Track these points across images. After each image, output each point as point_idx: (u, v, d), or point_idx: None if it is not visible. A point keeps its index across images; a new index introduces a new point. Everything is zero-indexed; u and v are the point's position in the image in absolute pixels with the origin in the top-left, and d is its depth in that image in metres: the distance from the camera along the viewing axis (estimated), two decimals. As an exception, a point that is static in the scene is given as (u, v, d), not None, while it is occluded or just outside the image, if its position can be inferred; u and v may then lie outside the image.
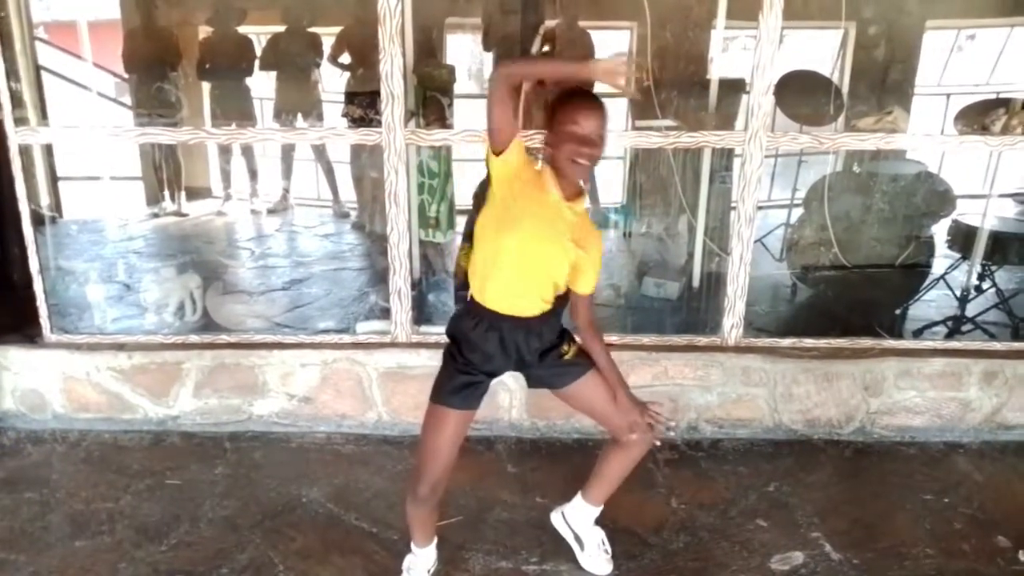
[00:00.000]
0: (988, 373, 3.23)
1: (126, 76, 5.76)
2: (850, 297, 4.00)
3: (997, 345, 3.37)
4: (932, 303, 4.17)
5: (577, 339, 2.28)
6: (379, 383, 3.25)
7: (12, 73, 3.08)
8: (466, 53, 6.18)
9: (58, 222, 4.35)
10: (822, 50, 5.55)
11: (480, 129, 3.49)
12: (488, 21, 4.99)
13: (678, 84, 4.13)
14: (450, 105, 3.97)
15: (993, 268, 4.01)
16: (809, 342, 3.33)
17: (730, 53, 4.70)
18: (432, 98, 3.73)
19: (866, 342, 3.34)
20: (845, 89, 4.77)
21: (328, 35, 5.80)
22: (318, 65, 5.96)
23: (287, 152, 6.25)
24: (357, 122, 3.41)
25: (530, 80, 2.02)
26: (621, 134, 3.25)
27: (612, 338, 3.26)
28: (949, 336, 3.80)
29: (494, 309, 2.11)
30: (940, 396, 3.26)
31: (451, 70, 4.14)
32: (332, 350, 3.24)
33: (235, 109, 5.84)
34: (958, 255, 4.13)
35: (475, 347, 2.15)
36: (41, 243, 3.28)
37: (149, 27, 5.64)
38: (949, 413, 3.28)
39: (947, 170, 4.81)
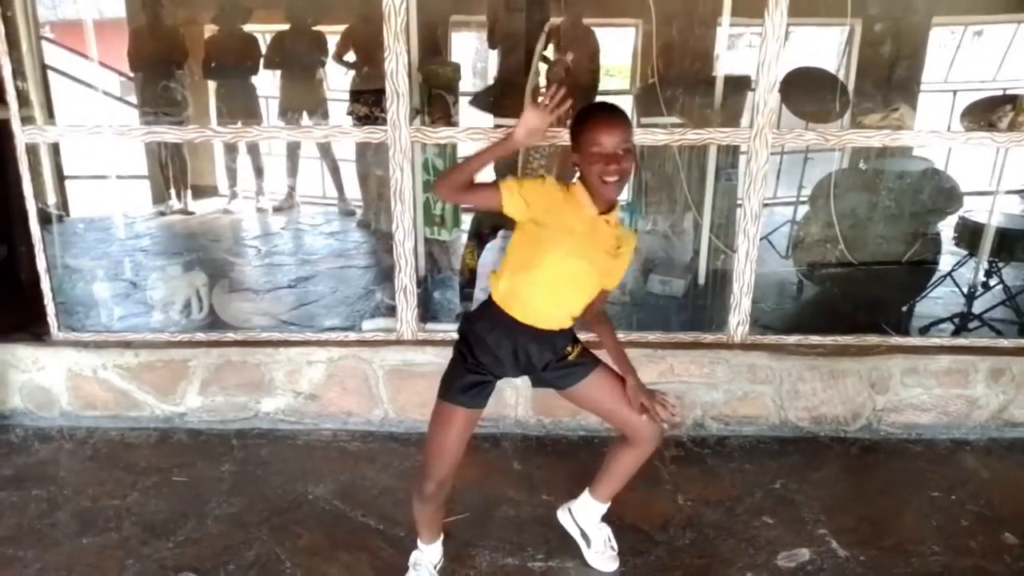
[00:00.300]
0: (995, 370, 3.22)
1: (132, 75, 5.77)
2: (856, 294, 3.99)
3: (1004, 342, 3.36)
4: (939, 300, 4.16)
5: (580, 339, 2.28)
6: (385, 380, 3.25)
7: (19, 72, 3.09)
8: (471, 51, 6.18)
9: (65, 220, 4.36)
10: (828, 47, 5.54)
11: (484, 127, 3.51)
12: (493, 18, 4.98)
13: (683, 81, 4.12)
14: (455, 103, 3.97)
15: (1000, 265, 4.00)
16: (815, 339, 3.32)
17: (736, 50, 4.70)
18: (437, 96, 3.73)
19: (873, 339, 3.34)
20: (851, 86, 4.76)
21: (333, 33, 5.81)
22: (323, 63, 5.97)
23: (293, 150, 6.27)
24: (362, 120, 3.41)
25: (464, 182, 2.02)
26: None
27: (617, 335, 3.26)
28: (956, 333, 3.79)
29: (519, 319, 2.11)
30: (947, 393, 3.25)
31: (456, 68, 4.14)
32: (338, 347, 3.25)
33: (241, 107, 5.86)
34: (965, 252, 4.12)
35: (487, 351, 2.14)
36: (48, 241, 3.29)
37: (155, 26, 5.65)
38: (956, 410, 3.27)
39: (954, 167, 4.81)
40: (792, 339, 3.32)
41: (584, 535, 2.52)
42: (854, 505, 2.83)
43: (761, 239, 3.25)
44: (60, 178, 4.07)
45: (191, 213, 6.18)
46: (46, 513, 2.75)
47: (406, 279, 3.22)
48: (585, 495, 2.50)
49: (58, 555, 2.53)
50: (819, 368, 3.21)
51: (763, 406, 3.26)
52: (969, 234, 4.04)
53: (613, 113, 2.05)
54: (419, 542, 2.36)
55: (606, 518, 2.51)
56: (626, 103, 5.55)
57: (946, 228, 4.26)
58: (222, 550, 2.55)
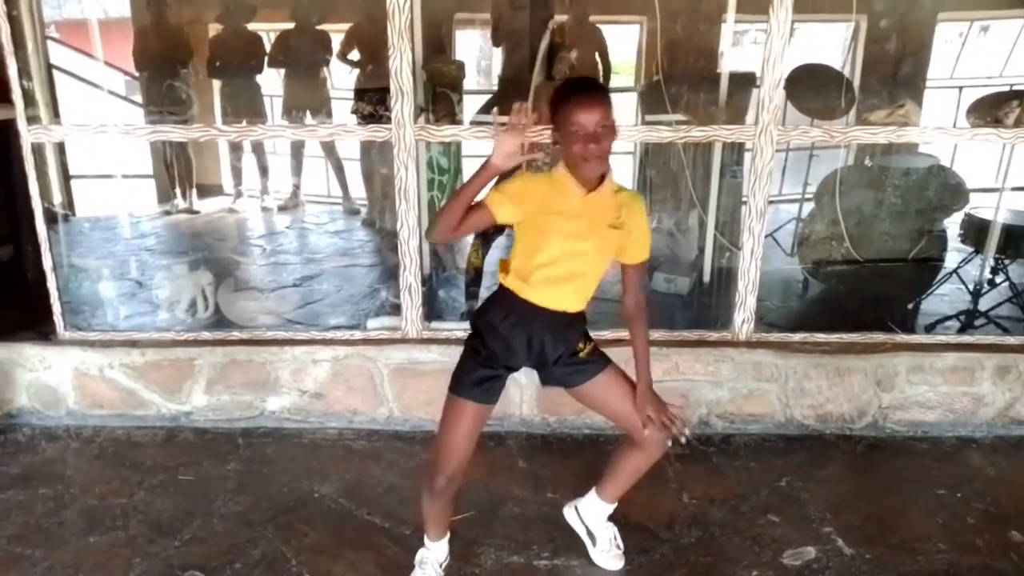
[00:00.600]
0: (1001, 368, 3.21)
1: (137, 74, 5.79)
2: (862, 292, 3.98)
3: (1010, 339, 3.35)
4: (945, 297, 4.15)
5: (592, 338, 2.27)
6: (390, 379, 3.26)
7: (24, 72, 3.09)
8: (475, 49, 6.19)
9: (71, 220, 4.37)
10: (833, 43, 5.53)
11: (488, 125, 3.51)
12: (497, 16, 4.99)
13: (688, 78, 4.12)
14: (460, 101, 3.97)
15: (1006, 262, 3.98)
16: (821, 337, 3.32)
17: (740, 47, 4.69)
18: (442, 94, 3.73)
19: (878, 337, 3.33)
20: (856, 82, 4.74)
21: (337, 32, 5.82)
22: (327, 62, 5.98)
23: (297, 149, 6.27)
24: (367, 118, 3.41)
25: (457, 218, 2.03)
26: (631, 128, 3.24)
27: (622, 333, 3.26)
28: (962, 331, 3.78)
29: (532, 302, 2.10)
30: (953, 391, 3.24)
31: (460, 66, 4.14)
32: (343, 346, 3.25)
33: (245, 106, 5.88)
34: (971, 249, 4.10)
35: (500, 339, 2.14)
36: (54, 241, 3.30)
37: (160, 25, 5.67)
38: (962, 408, 3.26)
39: (960, 163, 4.79)
40: (797, 337, 3.32)
41: (590, 534, 2.51)
42: (860, 503, 2.82)
43: (766, 236, 3.24)
44: (66, 177, 4.07)
45: (196, 212, 6.20)
46: (53, 512, 2.76)
47: (411, 278, 3.22)
48: (592, 494, 2.50)
49: (65, 553, 2.54)
50: (824, 366, 3.21)
51: (768, 404, 3.26)
52: (975, 231, 4.02)
53: (592, 90, 2.03)
54: (425, 539, 2.36)
55: (612, 516, 2.51)
56: (631, 100, 5.55)
57: (952, 225, 4.24)
58: (228, 548, 2.56)
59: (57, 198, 3.46)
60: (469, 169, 4.06)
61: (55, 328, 3.35)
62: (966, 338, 3.44)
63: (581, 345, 2.23)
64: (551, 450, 3.17)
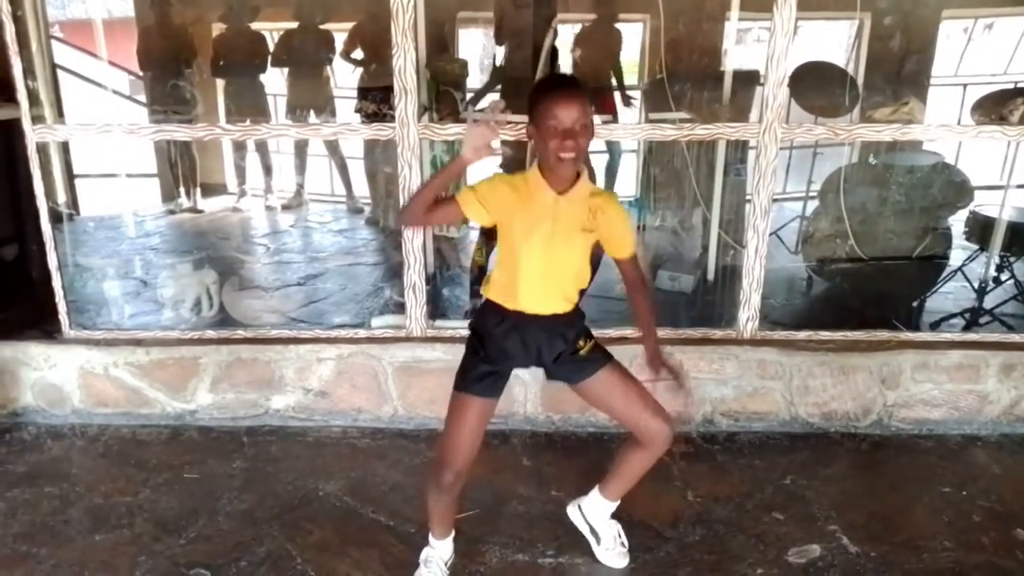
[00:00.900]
0: (1006, 366, 3.21)
1: (141, 73, 5.80)
2: (866, 289, 3.98)
3: (1015, 337, 3.34)
4: (949, 295, 4.14)
5: (593, 335, 2.27)
6: (394, 377, 3.26)
7: (29, 71, 3.10)
8: (478, 47, 6.18)
9: (75, 219, 4.38)
10: (837, 41, 5.52)
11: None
12: (500, 14, 4.98)
13: (692, 76, 4.11)
14: (463, 100, 3.97)
15: (1011, 260, 3.97)
16: (825, 335, 3.31)
17: (744, 44, 4.68)
18: (445, 92, 3.73)
19: (883, 335, 3.32)
20: (860, 80, 4.74)
21: (341, 31, 5.82)
22: (331, 61, 5.99)
23: (301, 148, 6.28)
24: (370, 117, 3.42)
25: (424, 207, 2.09)
26: (635, 127, 3.24)
27: (626, 331, 3.26)
28: (967, 328, 3.77)
29: (519, 310, 2.12)
30: (958, 389, 3.24)
31: (464, 64, 4.14)
32: (348, 344, 3.26)
33: (249, 105, 5.88)
34: (976, 247, 4.09)
35: (497, 344, 2.16)
36: (59, 240, 3.31)
37: (164, 25, 5.68)
38: (967, 406, 3.25)
39: (964, 161, 4.78)
40: (802, 335, 3.31)
41: (594, 532, 2.51)
42: (865, 501, 2.82)
43: (770, 234, 3.24)
44: (70, 177, 4.08)
45: (200, 211, 6.21)
46: (59, 510, 2.77)
47: (415, 276, 3.22)
48: (595, 493, 2.50)
49: (71, 552, 2.54)
50: (829, 364, 3.20)
51: (773, 402, 3.25)
52: (980, 228, 4.01)
53: (572, 87, 2.02)
54: (430, 537, 2.36)
55: (616, 514, 2.51)
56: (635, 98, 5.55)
57: (957, 223, 4.24)
58: (233, 546, 2.57)
59: (61, 197, 3.47)
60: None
61: (60, 327, 3.36)
62: (971, 336, 3.43)
63: (582, 343, 2.23)
64: (555, 448, 3.18)
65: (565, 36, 4.83)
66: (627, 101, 5.54)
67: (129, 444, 3.21)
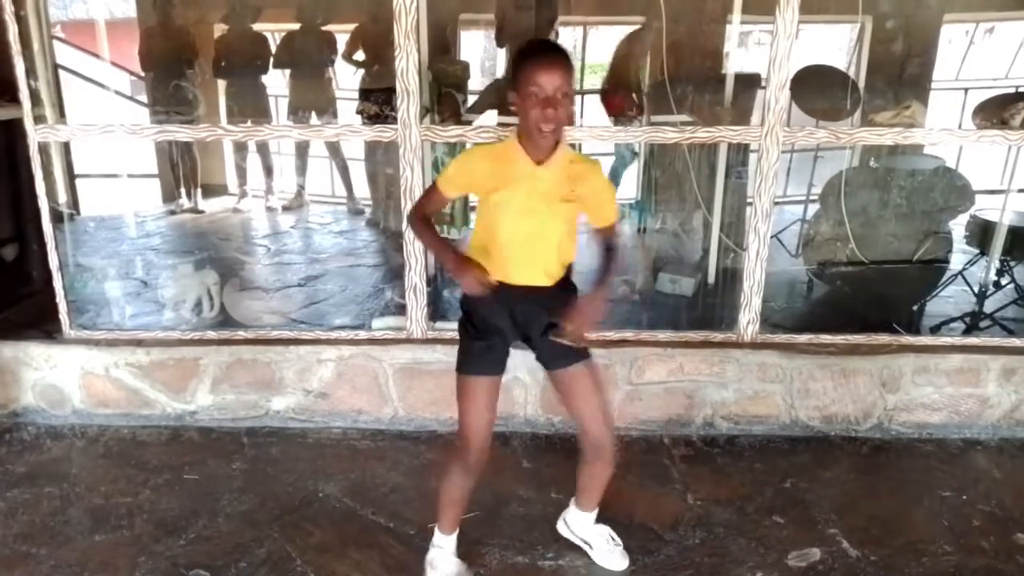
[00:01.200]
0: (1007, 370, 3.21)
1: (143, 74, 5.80)
2: (867, 293, 3.98)
3: (1016, 341, 3.34)
4: (950, 299, 4.14)
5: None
6: (395, 379, 3.26)
7: (31, 71, 3.10)
8: (480, 49, 6.19)
9: (76, 219, 4.39)
10: (839, 44, 5.52)
11: (494, 124, 3.51)
12: (502, 17, 4.98)
13: (693, 79, 4.11)
14: (465, 101, 3.97)
15: (1012, 264, 3.97)
16: (826, 338, 3.31)
17: (745, 47, 4.68)
18: (447, 94, 3.73)
19: (883, 338, 3.32)
20: (862, 83, 4.74)
21: (342, 32, 5.83)
22: (332, 62, 5.99)
23: (302, 149, 6.28)
24: (372, 119, 3.42)
25: (423, 217, 2.18)
26: (637, 129, 3.25)
27: (627, 334, 3.26)
28: (967, 332, 3.77)
29: (500, 281, 2.09)
30: (958, 392, 3.23)
31: (465, 66, 4.14)
32: (348, 346, 3.26)
33: (251, 106, 5.88)
34: (976, 251, 4.09)
35: (483, 316, 2.16)
36: (60, 240, 3.31)
37: (165, 25, 5.68)
38: (967, 410, 3.25)
39: (965, 165, 4.77)
40: (803, 338, 3.31)
41: (585, 541, 2.53)
42: (865, 505, 2.82)
43: (771, 237, 3.24)
44: (71, 177, 4.09)
45: (201, 212, 6.21)
46: (59, 510, 2.77)
47: (416, 278, 3.23)
48: (572, 507, 2.53)
49: (71, 552, 2.54)
50: (830, 367, 3.20)
51: (773, 405, 3.25)
52: (980, 232, 4.02)
53: (555, 53, 2.00)
54: (437, 535, 2.38)
55: (607, 518, 2.52)
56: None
57: (957, 227, 4.24)
58: (233, 548, 2.56)
59: (62, 197, 3.47)
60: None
61: (61, 327, 3.36)
62: (971, 340, 3.43)
63: (569, 327, 2.14)
64: (555, 450, 3.17)
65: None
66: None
67: (129, 445, 3.21)
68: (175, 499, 2.83)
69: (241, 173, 6.40)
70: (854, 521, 2.71)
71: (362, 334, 3.35)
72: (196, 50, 5.78)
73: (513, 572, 2.47)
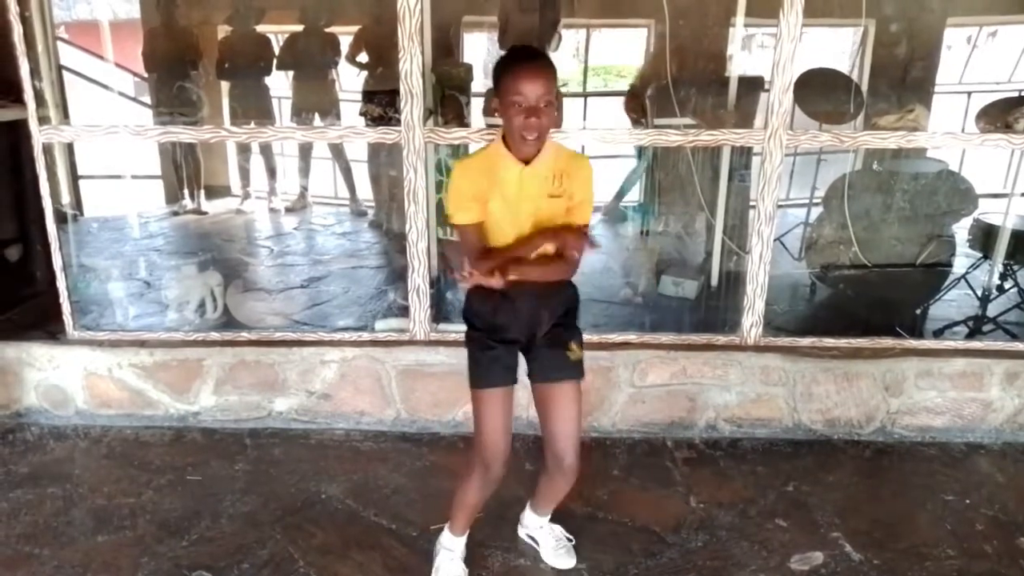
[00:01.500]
0: (1010, 373, 3.20)
1: (146, 75, 5.81)
2: (870, 296, 3.97)
3: (1019, 345, 3.34)
4: (953, 303, 4.13)
5: (583, 343, 2.24)
6: (398, 380, 3.26)
7: (35, 72, 3.11)
8: (483, 51, 6.18)
9: (79, 220, 4.39)
10: (842, 47, 5.52)
11: (496, 126, 3.51)
12: (505, 19, 4.98)
13: (697, 82, 4.11)
14: (468, 103, 3.97)
15: (1015, 268, 3.97)
16: (829, 341, 3.31)
17: (749, 51, 4.68)
18: (450, 96, 3.73)
19: (886, 342, 3.32)
20: (865, 87, 4.74)
21: (346, 34, 5.83)
22: (336, 64, 5.99)
23: (305, 151, 6.29)
24: (376, 121, 3.42)
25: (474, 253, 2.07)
26: (640, 132, 3.24)
27: (630, 336, 3.26)
28: (970, 336, 3.76)
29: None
30: (961, 396, 3.23)
31: (469, 68, 4.15)
32: (351, 347, 3.26)
33: (254, 108, 5.89)
34: (979, 254, 4.09)
35: (487, 320, 2.15)
36: (63, 241, 3.31)
37: (169, 27, 5.68)
38: (970, 413, 3.25)
39: (969, 168, 4.77)
40: (806, 341, 3.31)
41: (533, 539, 2.57)
42: (868, 508, 2.82)
43: (775, 241, 3.24)
44: (74, 178, 4.09)
45: (204, 213, 6.21)
46: (62, 511, 2.77)
47: (419, 279, 3.23)
48: (527, 510, 2.58)
49: (74, 553, 2.55)
50: (833, 370, 3.20)
51: (776, 408, 3.25)
52: (984, 236, 4.01)
53: (538, 61, 1.98)
54: (447, 535, 2.40)
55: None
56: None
57: (960, 230, 4.23)
58: (236, 549, 2.57)
59: (66, 198, 3.47)
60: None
61: (64, 328, 3.36)
62: (975, 344, 3.42)
63: (573, 346, 2.19)
64: (558, 453, 3.17)
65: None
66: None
67: (132, 445, 3.22)
68: (178, 500, 2.84)
69: (244, 174, 6.40)
70: (857, 525, 2.71)
71: (365, 336, 3.35)
72: (200, 51, 5.78)
73: (516, 574, 2.47)
